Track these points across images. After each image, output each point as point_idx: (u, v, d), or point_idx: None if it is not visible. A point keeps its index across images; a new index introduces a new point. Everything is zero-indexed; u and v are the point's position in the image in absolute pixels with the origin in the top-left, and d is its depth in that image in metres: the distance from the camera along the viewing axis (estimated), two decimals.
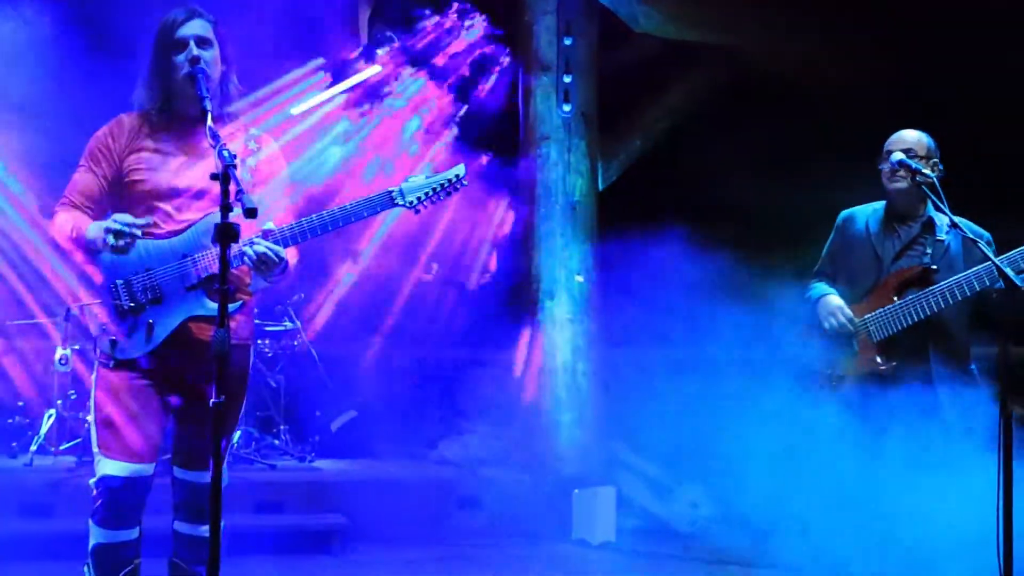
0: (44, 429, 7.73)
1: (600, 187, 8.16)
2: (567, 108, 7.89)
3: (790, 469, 6.30)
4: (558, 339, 7.81)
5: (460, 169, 4.11)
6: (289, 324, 8.93)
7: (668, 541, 7.42)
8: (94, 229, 3.81)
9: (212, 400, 3.35)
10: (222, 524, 4.02)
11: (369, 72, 9.79)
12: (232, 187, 3.33)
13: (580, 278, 7.84)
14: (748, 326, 7.47)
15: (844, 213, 5.23)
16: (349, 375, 9.11)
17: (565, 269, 7.85)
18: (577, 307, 7.86)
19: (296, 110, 10.47)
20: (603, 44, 8.17)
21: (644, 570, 6.80)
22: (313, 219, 3.95)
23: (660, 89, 8.87)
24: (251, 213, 3.34)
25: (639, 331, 8.04)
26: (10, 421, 8.24)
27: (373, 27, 8.25)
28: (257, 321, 8.70)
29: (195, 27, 3.98)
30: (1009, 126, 7.71)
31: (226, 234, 3.41)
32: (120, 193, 3.97)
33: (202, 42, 3.96)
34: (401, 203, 4.02)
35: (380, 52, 8.32)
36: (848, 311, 4.93)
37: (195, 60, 3.88)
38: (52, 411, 7.78)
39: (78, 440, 7.66)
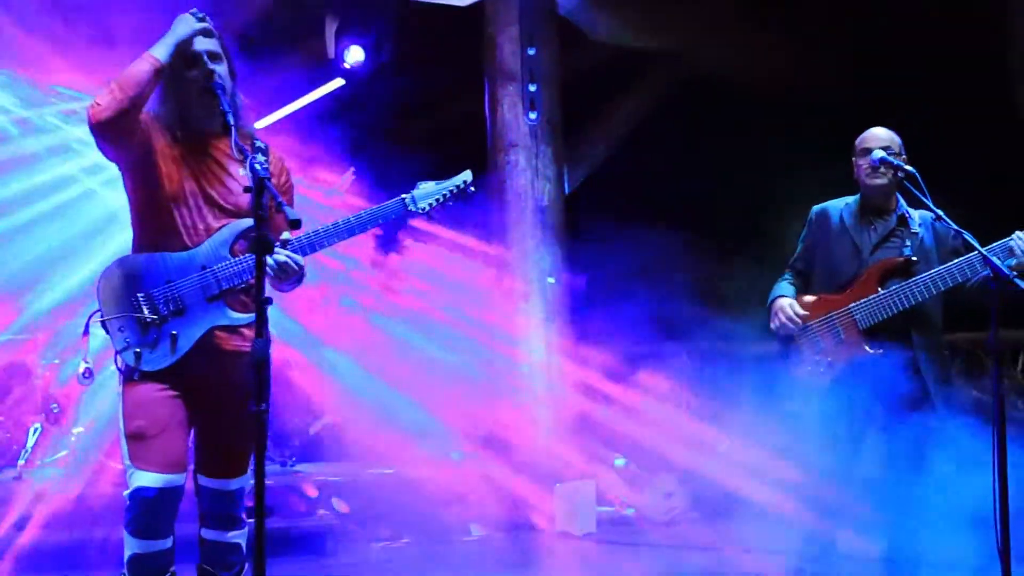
0: (31, 442, 7.60)
1: (567, 191, 8.17)
2: (533, 116, 7.89)
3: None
4: (533, 339, 7.80)
5: (467, 175, 4.10)
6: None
7: (645, 530, 7.46)
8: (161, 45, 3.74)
9: (255, 408, 3.33)
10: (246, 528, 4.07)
11: (333, 85, 9.75)
12: (268, 199, 3.31)
13: (552, 280, 7.85)
14: (710, 320, 7.56)
15: (816, 208, 5.27)
16: (325, 379, 9.05)
17: (537, 271, 7.84)
18: (550, 307, 7.85)
19: (260, 124, 10.41)
20: (563, 53, 8.17)
21: (625, 559, 6.82)
22: (329, 227, 3.93)
23: (620, 95, 8.93)
24: (295, 224, 3.33)
25: (609, 329, 8.11)
26: None
27: (339, 41, 8.17)
28: None
29: (206, 43, 3.93)
30: (953, 124, 7.87)
31: (262, 245, 3.40)
32: (141, 198, 3.89)
33: (214, 57, 3.91)
34: (414, 209, 4.01)
35: (345, 65, 8.23)
36: (796, 306, 4.99)
37: (210, 75, 3.84)
38: (37, 425, 7.65)
39: (64, 453, 7.55)
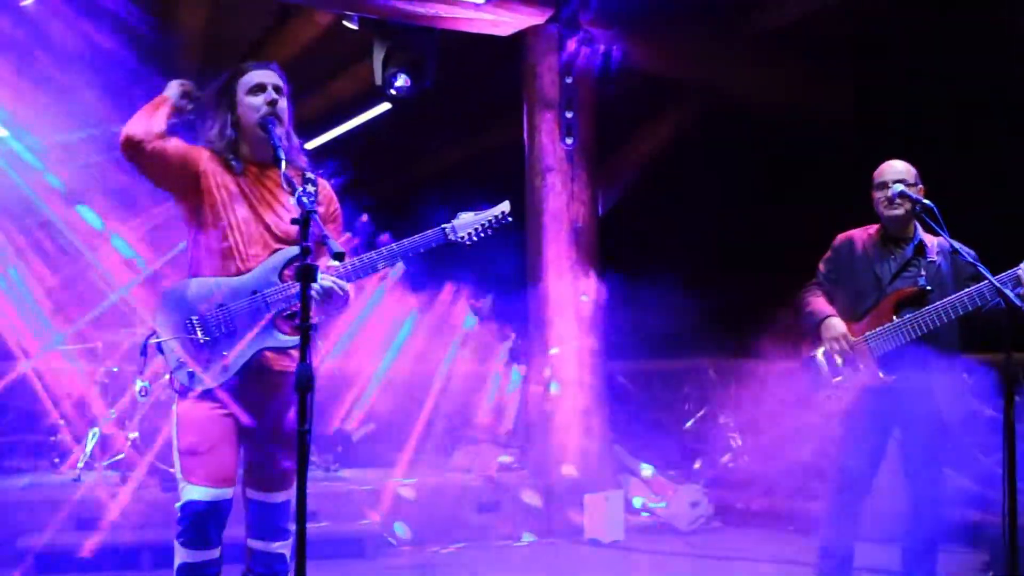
0: (89, 447, 7.65)
1: (600, 213, 8.13)
2: (569, 141, 7.86)
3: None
4: (566, 354, 7.76)
5: (505, 206, 4.08)
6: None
7: (671, 539, 7.40)
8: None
9: (298, 428, 3.32)
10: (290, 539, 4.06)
11: (380, 109, 9.78)
12: (316, 231, 3.30)
13: (586, 297, 7.81)
14: (737, 339, 7.50)
15: (842, 236, 5.22)
16: (367, 390, 9.05)
17: (571, 289, 7.80)
18: (583, 324, 7.81)
19: (310, 145, 10.44)
20: (599, 82, 8.15)
21: (651, 566, 6.77)
22: (373, 255, 3.91)
23: (651, 122, 8.90)
24: (339, 256, 3.32)
25: (639, 346, 8.07)
26: (52, 439, 8.17)
27: (385, 67, 8.16)
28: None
29: (271, 76, 3.96)
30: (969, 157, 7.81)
31: (307, 275, 3.38)
32: (196, 226, 3.90)
33: (277, 89, 3.93)
34: (453, 238, 3.99)
35: (392, 91, 8.23)
36: (850, 338, 4.91)
37: (273, 103, 3.85)
38: (96, 429, 7.70)
39: (120, 456, 7.59)
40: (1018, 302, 4.13)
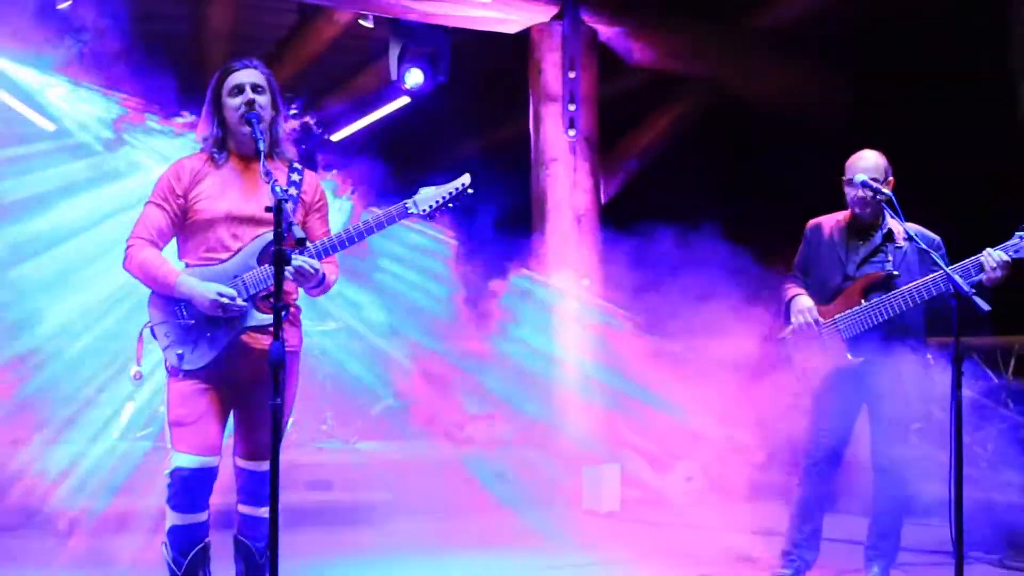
0: (125, 418, 7.82)
1: (602, 201, 8.17)
2: (572, 133, 7.90)
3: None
4: (568, 334, 7.82)
5: (466, 178, 4.07)
6: (332, 324, 9.01)
7: (664, 511, 7.44)
8: (186, 287, 3.84)
9: (270, 402, 3.41)
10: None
11: (398, 104, 9.85)
12: (286, 217, 3.39)
13: (586, 281, 7.85)
14: (729, 321, 7.49)
15: (812, 223, 5.24)
16: (386, 367, 9.17)
17: (573, 274, 7.85)
18: (583, 307, 7.86)
19: (335, 137, 10.58)
20: (602, 76, 8.17)
21: (645, 536, 6.80)
22: (341, 234, 3.96)
23: (654, 115, 8.92)
24: (300, 243, 3.41)
25: (638, 325, 8.09)
26: (96, 412, 8.34)
27: (400, 63, 8.24)
28: (306, 322, 8.83)
29: (251, 75, 4.02)
30: (957, 139, 7.75)
31: (280, 259, 3.48)
32: (183, 223, 4.01)
33: (256, 88, 4.00)
34: (415, 212, 4.01)
35: (406, 86, 8.31)
36: (815, 312, 4.94)
37: (251, 103, 3.92)
38: (132, 402, 7.88)
39: (151, 429, 7.76)
40: (967, 289, 4.13)
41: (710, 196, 8.31)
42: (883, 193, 4.64)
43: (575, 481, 7.50)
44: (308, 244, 3.90)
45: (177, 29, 9.22)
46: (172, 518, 3.88)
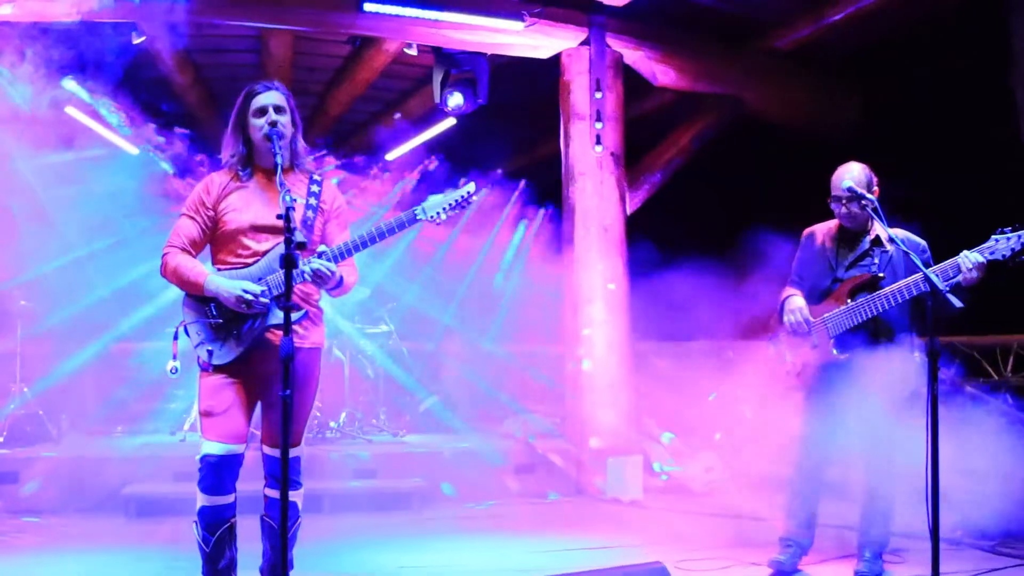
0: (194, 411, 7.98)
1: (628, 212, 8.14)
2: (599, 149, 7.89)
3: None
4: (595, 336, 7.80)
5: (471, 186, 4.11)
6: (385, 327, 9.09)
7: (688, 499, 7.38)
8: (214, 285, 3.92)
9: (281, 393, 3.46)
10: (301, 489, 4.23)
11: (445, 125, 9.93)
12: (320, 223, 3.48)
13: (612, 286, 7.83)
14: (747, 324, 7.42)
15: (807, 231, 5.19)
16: (433, 367, 9.24)
17: (600, 279, 7.83)
18: (610, 309, 7.84)
19: (390, 156, 10.68)
20: (628, 96, 8.15)
21: (663, 522, 6.75)
22: (356, 239, 4.02)
23: (677, 131, 8.86)
24: (300, 246, 3.46)
25: (660, 328, 8.05)
26: (172, 406, 8.54)
27: (443, 88, 8.30)
28: (358, 325, 8.94)
29: (273, 97, 4.09)
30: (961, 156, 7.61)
31: (288, 262, 3.54)
32: (213, 233, 4.10)
33: (278, 110, 4.07)
34: (423, 218, 4.05)
35: (448, 108, 8.36)
36: (806, 312, 4.89)
37: (273, 124, 3.99)
38: None
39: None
40: (942, 287, 4.06)
41: (729, 206, 8.25)
42: (868, 199, 4.57)
43: (601, 472, 7.45)
44: (326, 248, 3.98)
45: (245, 59, 9.40)
46: (201, 500, 3.96)
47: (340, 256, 3.99)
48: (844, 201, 4.77)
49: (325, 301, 4.29)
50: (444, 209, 4.06)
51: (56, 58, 7.65)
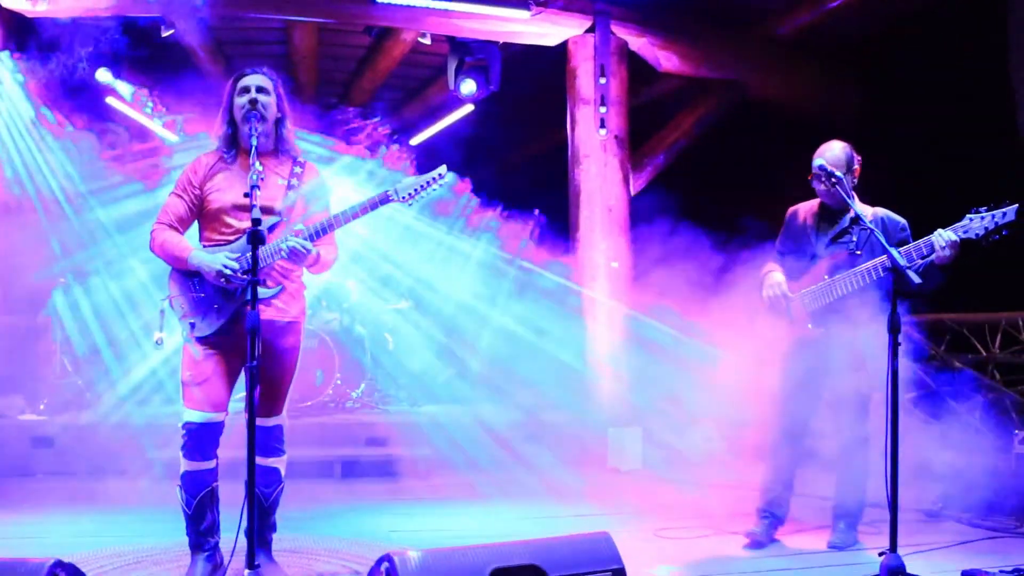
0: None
1: (631, 193, 7.96)
2: (603, 132, 7.72)
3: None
4: (598, 313, 7.66)
5: (443, 169, 3.99)
6: (404, 303, 9.03)
7: (686, 469, 7.22)
8: (197, 259, 3.87)
9: (247, 364, 3.38)
10: (284, 456, 4.16)
11: (462, 112, 9.79)
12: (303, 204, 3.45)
13: (615, 264, 7.67)
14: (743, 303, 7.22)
15: (791, 209, 5.01)
16: (452, 342, 9.14)
17: (603, 257, 7.68)
18: (612, 286, 7.69)
19: (414, 141, 10.59)
20: (633, 81, 7.96)
21: (665, 492, 6.61)
22: (329, 218, 3.94)
23: (680, 115, 8.65)
24: (255, 222, 3.36)
25: (661, 304, 7.87)
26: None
27: (457, 75, 8.16)
28: (379, 301, 8.89)
29: (256, 79, 4.02)
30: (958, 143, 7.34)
31: (254, 238, 3.45)
32: (200, 211, 4.03)
33: (260, 90, 3.98)
34: (395, 198, 3.93)
35: (462, 94, 8.23)
36: (784, 287, 4.72)
37: (253, 102, 3.90)
38: None
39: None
40: (902, 263, 3.88)
41: (730, 187, 8.04)
42: (837, 177, 4.37)
43: (601, 442, 7.32)
44: (302, 227, 3.89)
45: (274, 51, 9.33)
46: (184, 465, 3.92)
47: (315, 235, 3.90)
48: (821, 179, 4.57)
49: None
50: (416, 190, 3.94)
51: (92, 51, 7.66)
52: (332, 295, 8.83)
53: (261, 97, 3.95)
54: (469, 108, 9.67)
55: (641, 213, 7.95)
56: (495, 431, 7.40)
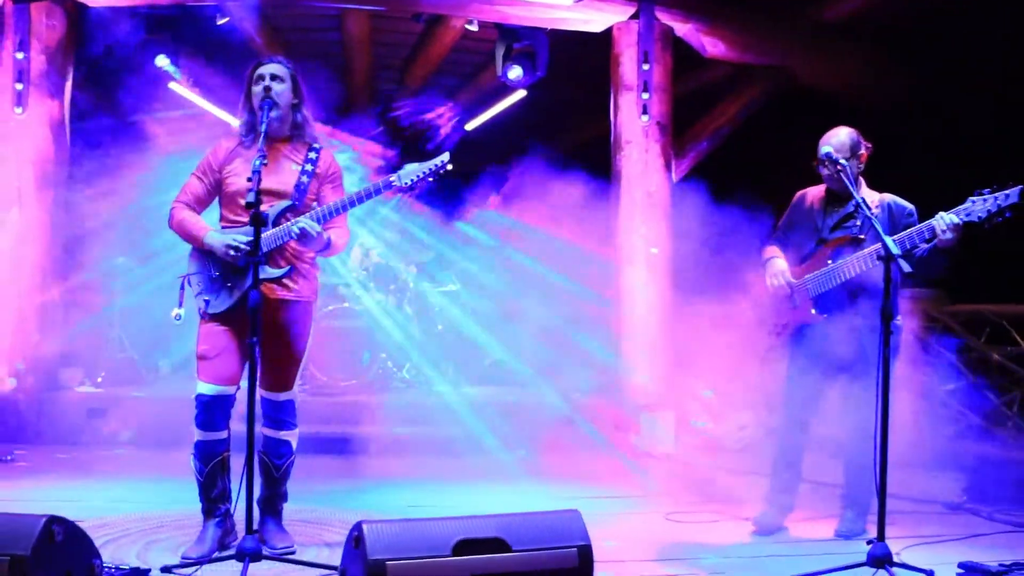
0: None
1: (673, 180, 7.97)
2: (645, 119, 7.74)
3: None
4: (636, 297, 7.71)
5: (445, 156, 4.11)
6: (452, 286, 9.20)
7: (720, 455, 7.23)
8: (210, 238, 4.08)
9: (248, 340, 3.57)
10: (295, 430, 4.35)
11: (512, 99, 9.90)
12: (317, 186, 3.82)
13: (655, 250, 7.70)
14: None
15: (799, 192, 5.02)
16: (495, 324, 9.25)
17: (643, 243, 7.72)
18: (652, 272, 7.72)
19: (469, 126, 10.74)
20: (679, 67, 7.95)
21: (685, 477, 6.64)
22: (337, 202, 4.11)
23: (724, 101, 8.61)
24: (250, 206, 3.54)
25: (700, 291, 7.87)
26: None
27: (505, 60, 8.27)
28: (428, 284, 9.07)
29: (271, 68, 4.20)
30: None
31: (256, 220, 3.64)
32: (217, 193, 4.24)
33: (275, 78, 4.16)
34: (398, 184, 4.06)
35: (510, 80, 8.33)
36: (788, 275, 4.73)
37: (268, 90, 4.09)
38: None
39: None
40: (895, 250, 3.87)
41: (775, 175, 7.95)
42: (841, 164, 4.37)
43: (635, 426, 7.38)
44: (314, 210, 4.08)
45: (330, 37, 9.57)
46: (197, 435, 4.14)
47: (324, 217, 4.06)
48: (825, 165, 4.58)
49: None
50: (418, 177, 4.08)
51: (152, 39, 7.97)
52: (381, 275, 9.05)
53: (275, 85, 4.13)
54: (522, 94, 9.79)
55: (682, 200, 7.95)
56: (533, 413, 7.52)
